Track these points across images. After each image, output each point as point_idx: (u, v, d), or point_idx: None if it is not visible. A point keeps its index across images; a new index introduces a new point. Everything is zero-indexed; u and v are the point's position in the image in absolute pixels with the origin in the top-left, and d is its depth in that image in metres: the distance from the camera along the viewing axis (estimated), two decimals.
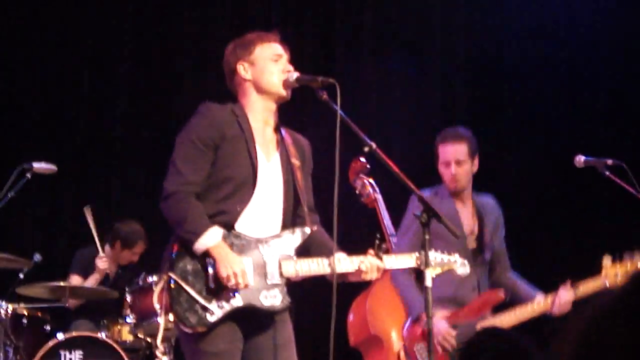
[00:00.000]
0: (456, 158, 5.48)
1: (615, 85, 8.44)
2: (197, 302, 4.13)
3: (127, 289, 7.10)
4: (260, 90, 4.39)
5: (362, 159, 6.36)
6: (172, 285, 4.14)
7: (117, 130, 8.91)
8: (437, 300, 5.19)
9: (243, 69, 4.41)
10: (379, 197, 6.43)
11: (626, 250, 5.39)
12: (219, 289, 4.17)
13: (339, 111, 4.23)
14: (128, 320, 7.06)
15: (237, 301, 4.18)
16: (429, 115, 8.45)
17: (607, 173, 5.55)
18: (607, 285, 5.33)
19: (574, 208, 8.22)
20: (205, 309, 4.14)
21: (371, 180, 6.46)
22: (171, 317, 4.20)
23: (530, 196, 8.39)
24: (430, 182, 5.59)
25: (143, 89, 8.93)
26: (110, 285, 7.62)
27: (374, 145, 4.26)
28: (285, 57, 4.45)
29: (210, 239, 4.14)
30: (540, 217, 8.32)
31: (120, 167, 8.96)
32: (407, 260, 4.45)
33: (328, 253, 4.29)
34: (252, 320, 4.26)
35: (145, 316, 6.90)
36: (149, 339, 7.05)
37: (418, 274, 5.20)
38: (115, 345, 6.92)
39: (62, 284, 7.17)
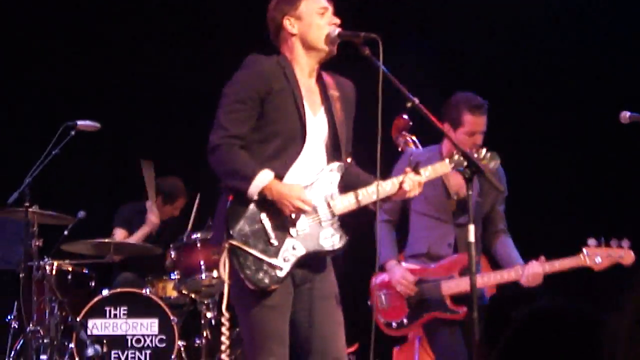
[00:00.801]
0: (483, 130, 5.51)
1: None
2: (263, 261, 4.15)
3: (171, 245, 7.17)
4: (306, 45, 4.36)
5: (405, 116, 6.32)
6: (237, 251, 4.15)
7: (158, 87, 8.92)
8: (412, 255, 5.63)
9: (289, 24, 4.38)
10: None
11: (613, 236, 5.49)
12: (280, 242, 4.19)
13: (382, 67, 4.22)
14: (172, 276, 7.14)
15: (300, 250, 4.22)
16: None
17: None
18: (585, 265, 5.46)
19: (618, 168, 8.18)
20: (273, 266, 4.16)
21: (414, 138, 6.43)
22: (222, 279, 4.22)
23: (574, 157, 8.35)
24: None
25: (184, 44, 8.94)
26: (153, 240, 7.68)
27: (416, 101, 4.25)
28: (330, 9, 4.42)
29: (263, 179, 4.13)
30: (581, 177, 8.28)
31: (163, 124, 8.99)
32: (442, 167, 4.53)
33: (365, 183, 4.35)
34: (305, 268, 4.28)
35: (190, 273, 6.97)
36: (192, 295, 7.12)
37: (397, 224, 5.68)
38: (159, 301, 6.98)
39: (106, 240, 7.23)
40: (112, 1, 8.97)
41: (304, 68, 4.39)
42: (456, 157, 4.47)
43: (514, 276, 5.48)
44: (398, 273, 5.54)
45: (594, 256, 5.47)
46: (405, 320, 5.58)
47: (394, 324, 5.61)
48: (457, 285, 5.47)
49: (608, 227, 5.72)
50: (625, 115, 5.59)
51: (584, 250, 5.49)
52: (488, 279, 5.54)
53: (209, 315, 7.09)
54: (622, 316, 1.21)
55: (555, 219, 8.19)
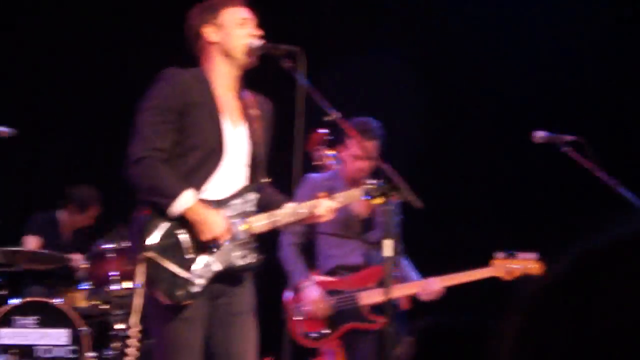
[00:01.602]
0: (375, 154, 5.57)
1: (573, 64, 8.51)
2: (179, 276, 4.12)
3: (83, 256, 7.09)
4: (226, 54, 4.35)
5: (322, 131, 6.34)
6: (152, 264, 4.10)
7: (70, 96, 8.81)
8: (328, 268, 5.77)
9: (209, 32, 4.37)
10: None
11: (523, 248, 5.72)
12: (196, 258, 4.17)
13: (302, 80, 4.22)
14: (84, 286, 7.05)
15: (215, 266, 4.19)
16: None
17: (567, 149, 5.56)
18: (495, 275, 5.68)
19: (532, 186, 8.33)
20: (188, 281, 4.13)
21: (331, 152, 6.44)
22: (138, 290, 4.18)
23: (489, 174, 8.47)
24: None
25: (99, 52, 8.85)
26: (65, 249, 7.58)
27: (337, 115, 4.27)
28: (252, 21, 4.41)
29: (186, 201, 4.11)
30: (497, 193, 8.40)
31: (73, 134, 8.88)
32: (354, 194, 4.60)
33: (279, 205, 4.39)
34: (222, 282, 4.26)
35: (102, 283, 6.89)
36: (104, 306, 7.03)
37: (305, 246, 5.77)
38: (70, 312, 6.88)
39: (16, 248, 7.11)
40: (24, 5, 8.84)
41: (224, 80, 4.36)
42: (367, 185, 4.54)
43: (414, 290, 5.69)
44: (312, 295, 5.65)
45: (505, 266, 5.66)
46: (323, 331, 5.63)
47: (312, 335, 5.64)
48: (373, 295, 5.57)
49: (516, 242, 5.89)
50: (538, 134, 5.67)
51: (494, 261, 5.69)
52: (402, 290, 5.65)
53: (119, 326, 7.01)
54: (502, 338, 1.21)
55: (466, 231, 8.31)
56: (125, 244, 6.85)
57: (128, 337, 6.68)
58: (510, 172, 8.48)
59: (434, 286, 5.65)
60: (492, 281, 5.77)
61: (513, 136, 7.33)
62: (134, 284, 4.18)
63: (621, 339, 1.06)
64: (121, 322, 6.99)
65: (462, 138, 8.56)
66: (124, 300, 6.91)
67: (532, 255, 5.72)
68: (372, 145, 5.65)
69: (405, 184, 4.21)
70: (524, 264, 5.70)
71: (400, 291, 5.64)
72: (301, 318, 5.68)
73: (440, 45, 8.70)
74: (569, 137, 5.58)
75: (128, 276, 6.71)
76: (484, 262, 5.76)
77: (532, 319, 1.15)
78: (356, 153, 5.69)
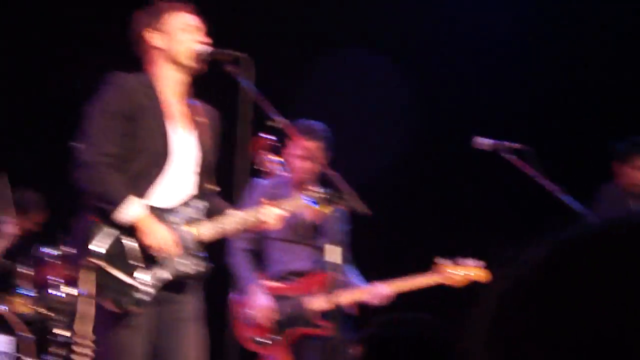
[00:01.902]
0: (316, 155, 5.69)
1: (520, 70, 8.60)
2: (126, 283, 4.09)
3: (24, 261, 7.00)
4: (170, 59, 4.33)
5: (266, 136, 6.34)
6: (99, 272, 4.07)
7: (14, 100, 8.72)
8: (276, 273, 5.77)
9: (153, 37, 4.34)
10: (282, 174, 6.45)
11: (462, 254, 5.79)
12: (145, 265, 4.14)
13: (248, 85, 4.22)
14: (25, 292, 6.96)
15: (164, 274, 4.18)
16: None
17: (508, 156, 5.60)
18: (440, 283, 5.73)
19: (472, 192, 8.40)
20: (135, 288, 4.11)
21: (276, 158, 6.43)
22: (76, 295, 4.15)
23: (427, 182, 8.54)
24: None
25: (43, 53, 8.75)
26: (6, 255, 7.48)
27: (282, 121, 4.27)
28: (197, 27, 4.39)
29: (135, 211, 4.09)
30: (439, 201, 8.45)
31: (20, 136, 8.78)
32: (300, 202, 4.65)
33: (226, 214, 4.39)
34: (169, 289, 4.24)
35: (42, 289, 6.81)
36: (46, 312, 6.95)
37: (254, 252, 5.78)
38: (14, 318, 6.80)
39: None
40: None
41: (169, 85, 4.34)
42: (313, 193, 4.64)
43: (364, 296, 5.69)
44: (259, 302, 5.65)
45: (449, 273, 5.72)
46: (270, 335, 5.62)
47: (259, 340, 5.63)
48: (321, 301, 5.58)
49: (461, 248, 5.94)
50: (483, 141, 5.71)
51: (438, 267, 5.73)
52: (349, 297, 5.65)
53: (61, 332, 6.92)
54: (471, 340, 1.22)
55: (411, 238, 8.36)
56: (67, 249, 6.78)
57: (71, 343, 6.64)
58: (454, 179, 8.55)
59: (381, 291, 5.69)
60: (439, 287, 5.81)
61: (457, 142, 7.37)
62: (79, 291, 4.15)
63: (593, 334, 1.08)
64: (62, 328, 6.91)
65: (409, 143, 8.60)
66: (65, 307, 6.84)
67: (474, 262, 5.76)
68: (315, 147, 5.70)
69: (353, 192, 4.22)
70: (467, 270, 5.75)
71: (347, 297, 5.64)
72: (248, 323, 5.68)
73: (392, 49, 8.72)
74: (512, 145, 5.62)
75: (69, 282, 6.66)
76: (429, 268, 5.79)
77: (500, 318, 1.16)
78: (299, 153, 5.73)
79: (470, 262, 5.77)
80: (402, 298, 5.83)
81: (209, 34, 4.42)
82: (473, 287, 5.78)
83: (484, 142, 5.69)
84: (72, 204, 4.25)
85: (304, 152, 5.73)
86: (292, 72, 8.62)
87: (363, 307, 5.85)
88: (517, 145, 5.60)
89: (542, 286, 1.13)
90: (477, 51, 8.71)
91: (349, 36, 8.69)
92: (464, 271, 5.75)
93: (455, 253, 5.83)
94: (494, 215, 8.30)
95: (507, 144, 5.62)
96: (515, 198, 8.04)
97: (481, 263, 5.79)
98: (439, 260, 5.74)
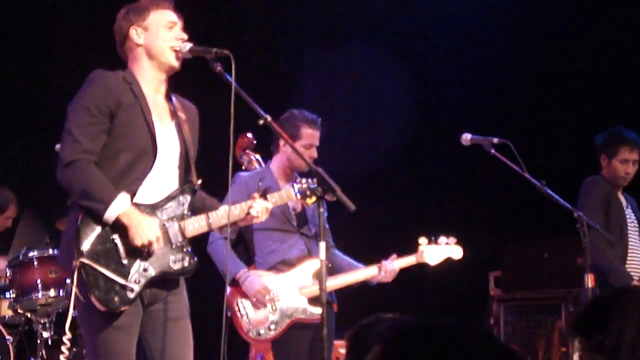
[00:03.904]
0: (316, 144, 5.80)
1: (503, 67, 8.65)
2: (115, 282, 4.06)
3: (7, 263, 6.95)
4: (151, 57, 4.31)
5: (249, 135, 6.33)
6: (88, 270, 4.03)
7: None
8: (269, 264, 5.77)
9: (136, 34, 4.33)
10: None
11: (443, 233, 6.06)
12: (131, 263, 4.12)
13: (234, 83, 4.20)
14: (7, 295, 6.92)
15: (151, 272, 4.15)
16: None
17: (493, 151, 5.61)
18: (420, 262, 5.99)
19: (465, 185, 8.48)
20: (123, 287, 4.08)
21: (258, 156, 6.43)
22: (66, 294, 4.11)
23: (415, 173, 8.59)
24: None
25: (18, 57, 8.71)
26: None
27: (268, 118, 4.27)
28: (179, 25, 4.38)
29: (120, 205, 4.06)
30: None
31: None
32: (289, 194, 4.74)
33: (211, 207, 4.41)
34: (156, 288, 4.22)
35: (26, 291, 6.77)
36: (28, 314, 6.91)
37: (234, 243, 5.79)
38: None
39: None
40: None
41: (150, 82, 4.33)
42: (300, 184, 4.70)
43: (369, 275, 5.86)
44: (255, 283, 5.62)
45: (429, 253, 5.99)
46: (272, 326, 5.61)
47: (262, 331, 5.62)
48: (312, 289, 5.61)
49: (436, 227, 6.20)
50: (467, 137, 5.71)
51: (420, 248, 5.97)
52: (344, 280, 5.82)
53: (45, 335, 6.90)
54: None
55: (386, 220, 8.47)
56: (49, 252, 6.75)
57: (54, 345, 6.61)
58: (441, 172, 8.63)
59: (395, 265, 5.84)
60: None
61: (445, 138, 7.41)
62: (67, 291, 4.12)
63: None
64: (46, 330, 6.88)
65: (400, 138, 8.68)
66: (48, 309, 6.81)
67: (453, 240, 6.07)
68: (316, 135, 5.81)
69: (337, 185, 4.21)
70: (446, 247, 6.04)
71: (350, 278, 5.83)
72: (248, 313, 5.64)
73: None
74: (495, 140, 5.63)
75: (53, 284, 6.63)
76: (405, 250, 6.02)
77: None
78: (304, 142, 5.74)
79: (447, 239, 6.06)
80: (380, 299, 5.90)
81: (191, 31, 4.40)
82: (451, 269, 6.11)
83: (469, 137, 5.69)
84: (55, 204, 4.23)
85: (313, 141, 5.78)
86: (274, 68, 8.63)
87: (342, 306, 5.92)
88: (497, 140, 5.61)
89: None
90: (455, 51, 8.75)
91: (328, 33, 8.71)
92: (442, 249, 6.04)
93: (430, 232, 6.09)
94: (479, 206, 8.38)
95: (491, 139, 5.63)
96: (500, 191, 8.10)
97: (456, 240, 6.09)
98: (420, 240, 5.99)
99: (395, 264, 5.87)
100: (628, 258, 6.46)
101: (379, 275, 5.83)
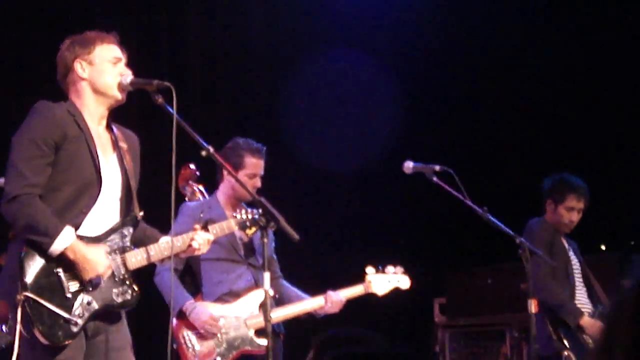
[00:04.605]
0: (261, 173, 5.83)
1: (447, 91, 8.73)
2: (59, 316, 4.03)
3: None
4: (96, 90, 4.30)
5: (192, 166, 6.31)
6: (31, 304, 4.00)
7: None
8: (215, 295, 5.74)
9: (80, 67, 4.31)
10: None
11: (388, 262, 6.11)
12: (75, 296, 4.09)
13: (175, 115, 4.20)
14: None
15: (94, 305, 4.13)
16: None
17: (435, 179, 5.65)
18: (368, 292, 6.03)
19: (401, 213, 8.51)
20: (67, 321, 4.05)
21: (201, 187, 6.42)
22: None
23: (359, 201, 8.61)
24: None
25: None
26: None
27: (211, 149, 4.28)
28: (123, 60, 4.38)
29: (66, 239, 4.03)
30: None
31: None
32: (228, 225, 4.77)
33: (152, 238, 4.39)
34: (99, 320, 4.19)
35: None
36: None
37: (182, 273, 5.78)
38: None
39: None
40: None
41: (93, 114, 4.31)
42: (239, 216, 4.81)
43: (315, 306, 5.86)
44: (202, 314, 5.58)
45: (377, 283, 6.03)
46: (218, 358, 5.61)
47: None
48: (259, 319, 5.62)
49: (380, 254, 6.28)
50: (409, 165, 5.75)
51: (368, 277, 6.01)
52: (291, 311, 5.83)
53: None
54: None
55: (336, 251, 8.50)
56: None
57: None
58: (384, 199, 8.67)
59: (340, 297, 5.85)
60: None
61: (387, 165, 7.45)
62: (10, 326, 4.07)
63: None
64: None
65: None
66: None
67: (400, 269, 6.12)
68: (261, 164, 5.83)
69: (281, 215, 4.22)
70: (394, 277, 6.09)
71: (296, 309, 5.84)
72: (194, 345, 5.60)
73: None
74: (437, 167, 5.67)
75: None
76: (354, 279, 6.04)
77: None
78: (248, 171, 5.76)
79: (394, 269, 6.10)
80: (328, 326, 5.90)
81: (133, 64, 4.40)
82: (396, 296, 6.11)
83: (411, 165, 5.73)
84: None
85: (256, 170, 5.78)
86: (212, 98, 8.63)
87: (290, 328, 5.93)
88: (439, 168, 5.66)
89: None
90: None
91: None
92: (390, 279, 6.07)
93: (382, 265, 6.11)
94: (422, 233, 8.44)
95: (432, 166, 5.67)
96: (442, 217, 8.16)
97: (403, 269, 6.12)
98: (367, 269, 6.03)
99: (341, 294, 5.88)
100: (576, 297, 6.53)
101: (325, 306, 5.83)
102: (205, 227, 4.50)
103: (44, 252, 4.04)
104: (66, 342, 4.05)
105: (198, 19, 8.84)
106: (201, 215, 5.34)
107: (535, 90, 8.65)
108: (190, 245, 4.41)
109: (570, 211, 6.59)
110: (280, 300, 5.89)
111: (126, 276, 4.26)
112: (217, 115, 8.45)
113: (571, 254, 6.67)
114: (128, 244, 4.30)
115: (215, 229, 4.61)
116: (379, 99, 8.89)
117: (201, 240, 4.42)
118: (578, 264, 6.67)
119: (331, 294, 5.85)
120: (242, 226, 4.79)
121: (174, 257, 4.40)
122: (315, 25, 8.98)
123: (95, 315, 4.15)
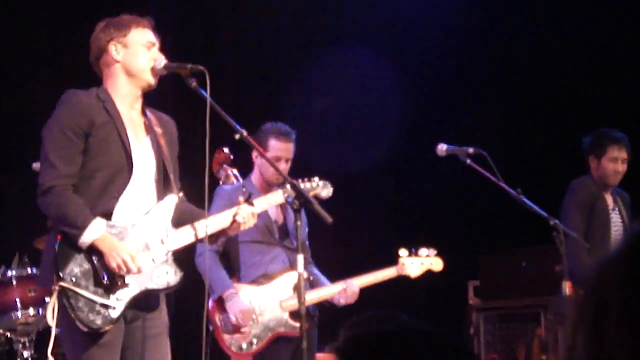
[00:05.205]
0: (289, 157, 5.79)
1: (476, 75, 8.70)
2: (96, 302, 4.07)
3: None
4: (129, 73, 4.31)
5: (226, 149, 6.33)
6: (68, 294, 4.04)
7: None
8: (251, 277, 5.75)
9: (115, 49, 4.32)
10: None
11: (422, 245, 6.12)
12: (112, 283, 4.11)
13: (209, 99, 4.22)
14: None
15: (134, 289, 4.16)
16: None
17: (469, 161, 5.64)
18: (401, 274, 6.03)
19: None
20: (105, 306, 4.09)
21: (235, 171, 6.43)
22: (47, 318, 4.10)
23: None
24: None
25: None
26: None
27: (244, 133, 4.28)
28: (157, 45, 4.39)
29: (94, 232, 4.07)
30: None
31: None
32: (275, 197, 4.70)
33: (196, 218, 4.34)
34: (137, 305, 4.22)
35: (5, 311, 6.74)
36: (8, 334, 6.89)
37: (222, 254, 5.74)
38: None
39: None
40: None
41: (125, 98, 4.32)
42: (288, 187, 4.61)
43: (336, 290, 5.81)
44: (236, 306, 5.60)
45: (410, 265, 6.02)
46: (254, 340, 5.62)
47: (244, 345, 5.63)
48: (293, 302, 5.61)
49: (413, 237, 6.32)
50: (442, 147, 5.74)
51: (401, 260, 6.01)
52: (317, 295, 5.81)
53: (25, 354, 6.87)
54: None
55: (375, 238, 8.49)
56: (27, 271, 6.73)
57: None
58: (418, 182, 8.68)
59: (353, 287, 5.80)
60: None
61: (421, 148, 7.44)
62: (48, 312, 4.11)
63: None
64: (26, 349, 6.86)
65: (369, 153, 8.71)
66: (28, 328, 6.78)
67: (433, 251, 6.13)
68: (290, 148, 5.81)
69: (314, 199, 4.23)
70: (427, 260, 6.10)
71: (318, 296, 5.81)
72: (229, 329, 5.64)
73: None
74: (471, 150, 5.66)
75: (32, 303, 6.60)
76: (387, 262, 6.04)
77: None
78: (276, 154, 5.73)
79: (427, 251, 6.11)
80: (361, 310, 5.90)
81: (167, 48, 4.42)
82: (430, 279, 6.13)
83: (444, 148, 5.72)
84: (32, 225, 4.25)
85: (281, 154, 5.76)
86: (247, 85, 8.65)
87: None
88: (472, 150, 5.64)
89: None
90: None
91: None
92: (422, 260, 6.07)
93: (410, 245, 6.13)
94: (456, 216, 8.42)
95: (466, 149, 5.66)
96: (476, 200, 8.15)
97: (435, 252, 6.14)
98: (400, 252, 6.03)
99: (355, 283, 5.84)
100: None
101: (345, 294, 5.80)
102: (248, 201, 4.46)
103: (76, 243, 4.08)
104: (106, 328, 4.09)
105: (230, 3, 8.86)
106: (243, 189, 5.36)
107: (567, 68, 8.59)
108: (234, 221, 4.37)
109: (614, 162, 6.53)
110: (311, 283, 5.92)
111: (167, 257, 4.28)
112: (250, 99, 8.46)
113: (614, 213, 6.60)
114: (168, 225, 4.31)
115: (261, 201, 4.58)
116: (408, 81, 8.86)
117: (245, 214, 4.37)
118: (620, 223, 6.60)
119: (349, 282, 5.83)
120: (290, 198, 4.58)
121: (220, 235, 4.40)
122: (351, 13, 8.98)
123: (135, 299, 4.18)
